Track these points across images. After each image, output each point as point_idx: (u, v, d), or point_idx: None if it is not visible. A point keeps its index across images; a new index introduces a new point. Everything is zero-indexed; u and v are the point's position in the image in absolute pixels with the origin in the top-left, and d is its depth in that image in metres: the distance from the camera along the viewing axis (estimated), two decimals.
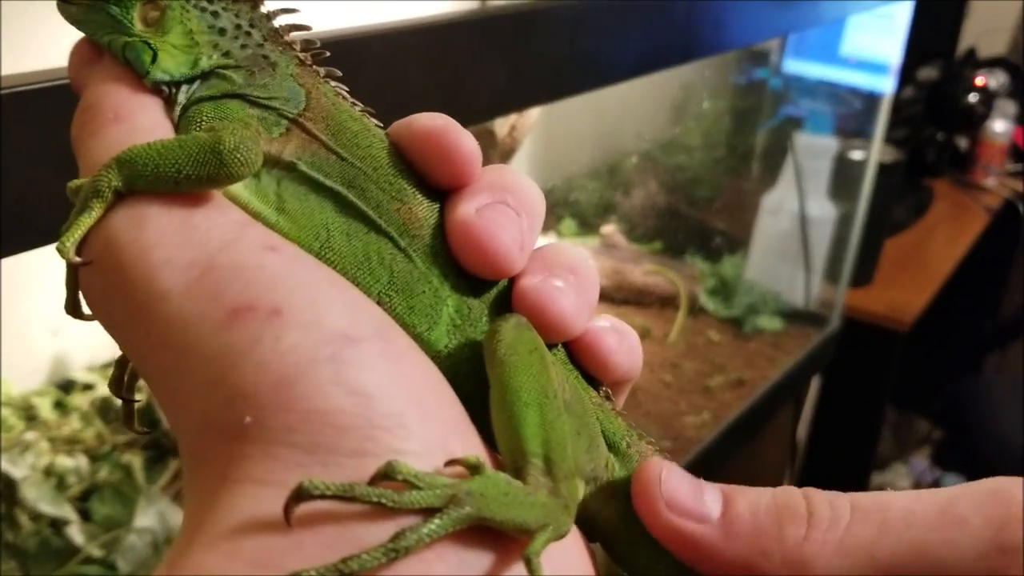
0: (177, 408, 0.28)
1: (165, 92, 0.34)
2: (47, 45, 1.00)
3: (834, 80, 1.79)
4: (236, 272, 0.28)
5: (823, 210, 1.65)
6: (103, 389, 1.05)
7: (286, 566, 0.24)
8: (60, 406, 1.04)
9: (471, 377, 0.32)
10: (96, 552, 0.89)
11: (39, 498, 0.90)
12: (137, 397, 0.36)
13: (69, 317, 0.32)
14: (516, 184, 0.33)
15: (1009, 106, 2.45)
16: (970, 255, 2.11)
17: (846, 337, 1.70)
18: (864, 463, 1.96)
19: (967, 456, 2.16)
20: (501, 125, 1.39)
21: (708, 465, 1.30)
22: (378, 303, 0.32)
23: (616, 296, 1.53)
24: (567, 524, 0.28)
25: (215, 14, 0.35)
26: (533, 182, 0.34)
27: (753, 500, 0.29)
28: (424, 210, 0.34)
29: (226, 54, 0.34)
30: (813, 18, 1.23)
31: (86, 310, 0.31)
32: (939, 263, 2.01)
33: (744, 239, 1.72)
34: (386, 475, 0.25)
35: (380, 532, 0.25)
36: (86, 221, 0.29)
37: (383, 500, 0.25)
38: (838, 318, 1.69)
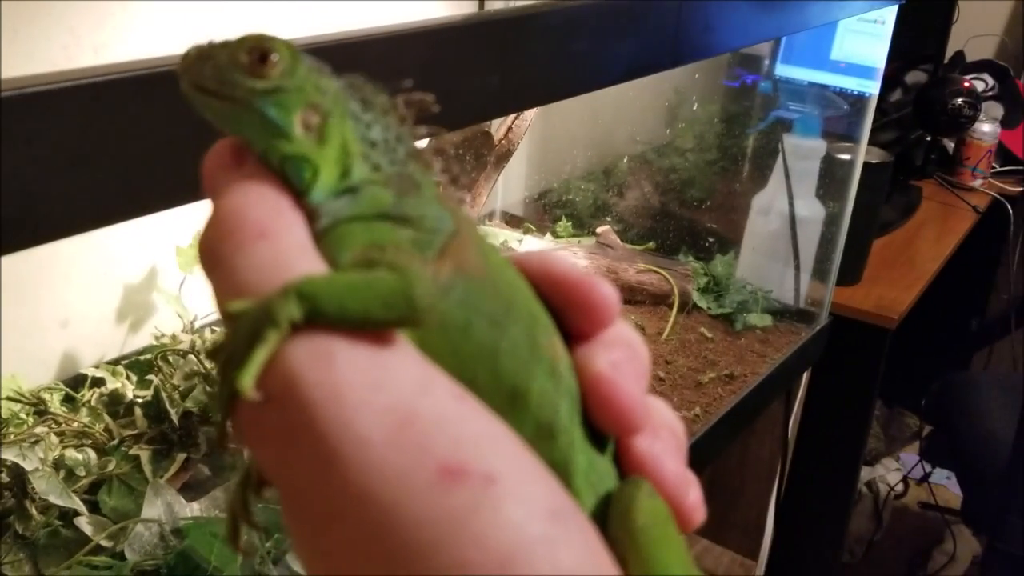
0: (362, 558, 0.25)
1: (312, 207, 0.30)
2: (47, 45, 1.01)
3: (824, 84, 1.82)
4: (440, 425, 0.25)
5: (812, 210, 1.67)
6: (111, 384, 1.07)
7: None
8: (70, 400, 1.06)
9: None
10: (104, 542, 0.90)
11: (49, 490, 0.91)
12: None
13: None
14: (639, 342, 0.32)
15: (996, 108, 2.49)
16: (957, 254, 2.13)
17: (835, 334, 1.71)
18: (853, 458, 1.98)
19: (955, 451, 2.18)
20: (497, 127, 1.42)
21: (701, 458, 1.32)
22: None
23: None
24: None
25: (368, 125, 0.31)
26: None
27: None
28: (563, 350, 0.31)
29: (375, 168, 0.31)
30: (800, 23, 1.26)
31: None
32: (926, 262, 2.03)
33: (735, 239, 1.74)
34: None
35: None
36: (262, 354, 0.26)
37: None
38: (827, 315, 1.71)
